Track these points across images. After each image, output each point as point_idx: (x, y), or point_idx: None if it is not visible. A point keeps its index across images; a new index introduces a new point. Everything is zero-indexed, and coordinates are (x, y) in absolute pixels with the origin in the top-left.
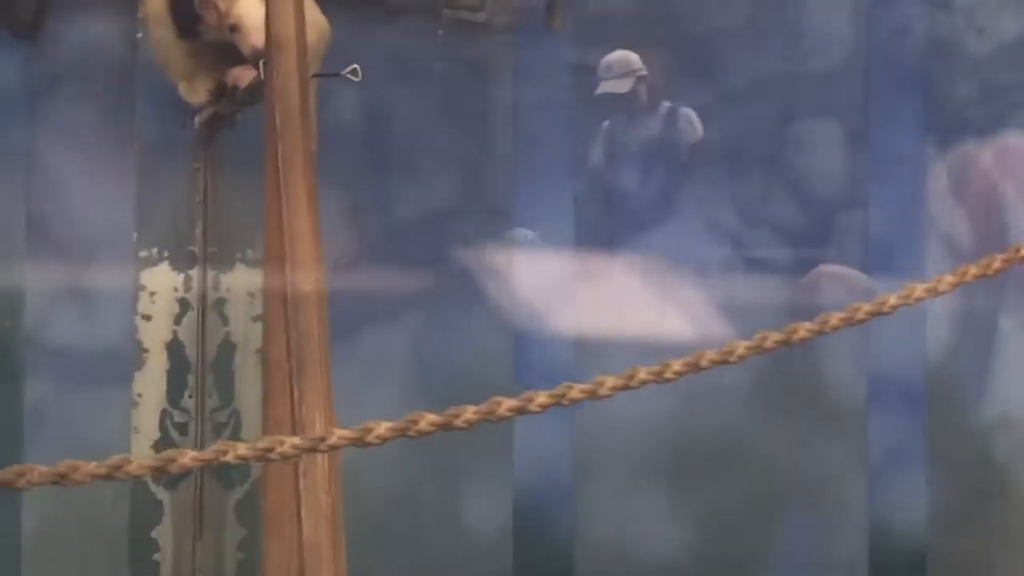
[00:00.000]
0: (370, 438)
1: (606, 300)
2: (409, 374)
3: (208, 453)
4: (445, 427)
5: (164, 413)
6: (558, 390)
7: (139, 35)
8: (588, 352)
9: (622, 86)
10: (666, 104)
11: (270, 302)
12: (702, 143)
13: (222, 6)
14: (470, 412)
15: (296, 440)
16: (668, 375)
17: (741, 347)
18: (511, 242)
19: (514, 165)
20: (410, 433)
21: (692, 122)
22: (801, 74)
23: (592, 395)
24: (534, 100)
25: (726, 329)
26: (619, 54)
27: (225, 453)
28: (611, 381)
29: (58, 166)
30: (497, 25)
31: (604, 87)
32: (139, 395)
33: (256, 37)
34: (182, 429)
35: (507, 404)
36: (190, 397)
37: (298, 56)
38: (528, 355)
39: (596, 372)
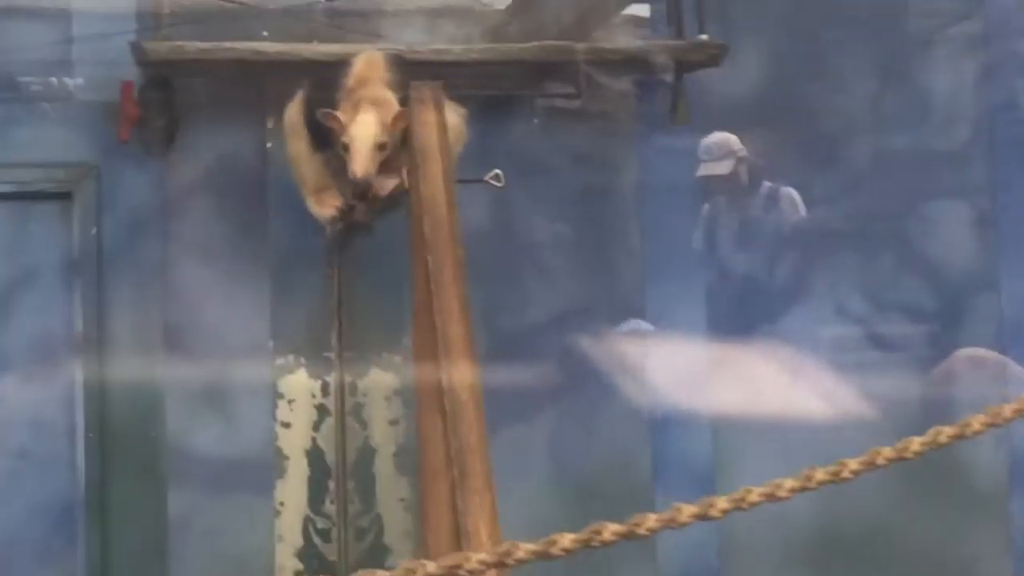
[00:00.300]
0: (555, 550)
1: (741, 386)
2: (546, 470)
3: (398, 572)
4: (627, 537)
5: (307, 520)
6: (735, 495)
7: (268, 145)
8: (725, 439)
9: (722, 168)
10: (767, 184)
11: (422, 410)
12: (829, 226)
13: (343, 118)
14: (652, 520)
15: (483, 555)
16: (844, 475)
17: (916, 443)
18: (630, 334)
19: (642, 257)
20: (593, 544)
21: (795, 202)
22: (927, 155)
23: (738, 505)
24: (659, 191)
25: (863, 412)
26: (719, 136)
27: (414, 572)
28: (756, 492)
29: (194, 278)
30: (591, 112)
31: (704, 169)
32: (281, 503)
33: (360, 166)
34: (325, 536)
35: (688, 510)
36: (331, 503)
37: (443, 164)
38: (665, 445)
39: (733, 458)
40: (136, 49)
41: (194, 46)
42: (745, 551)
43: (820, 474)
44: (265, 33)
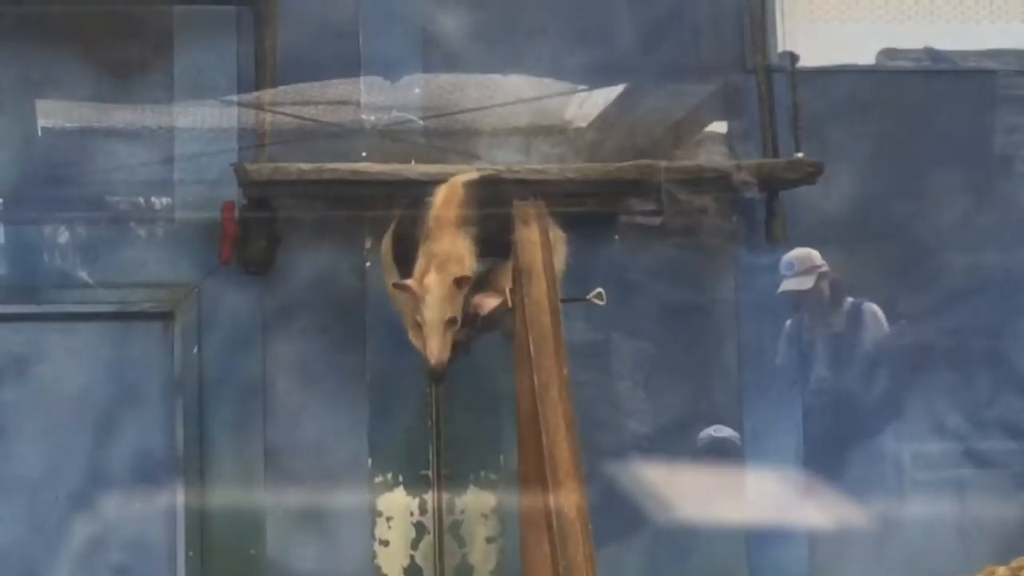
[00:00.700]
0: None
1: (836, 508)
2: None
3: None
4: None
5: None
6: None
7: (367, 264)
8: (822, 554)
9: (804, 283)
10: (850, 300)
11: (527, 529)
12: (923, 341)
13: (415, 288)
14: None
15: None
16: None
17: None
18: (711, 440)
19: (739, 374)
20: None
21: (878, 317)
22: (1020, 271)
23: None
24: (755, 308)
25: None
26: (800, 251)
27: None
28: None
29: (293, 397)
30: (686, 229)
31: (786, 285)
32: None
33: (434, 353)
34: None
35: None
36: None
37: (548, 282)
38: (762, 568)
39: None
40: (239, 171)
41: (295, 167)
42: None
43: None
44: (364, 153)
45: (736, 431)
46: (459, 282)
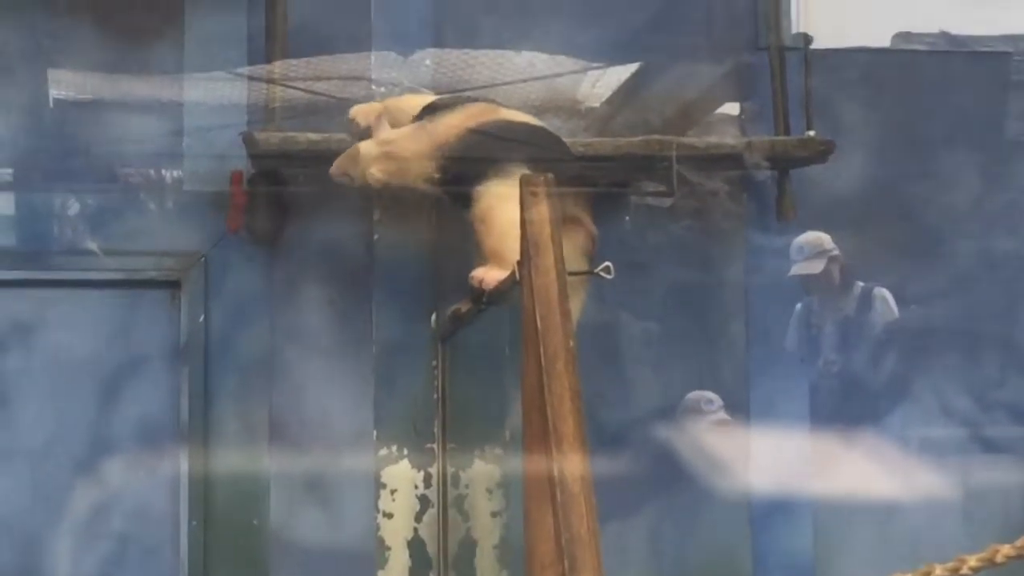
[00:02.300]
0: None
1: (843, 485)
2: (648, 563)
3: None
4: None
5: None
6: None
7: (375, 236)
8: (826, 538)
9: (814, 267)
10: (860, 284)
11: (531, 501)
12: (932, 325)
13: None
14: None
15: None
16: (964, 571)
17: None
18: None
19: (747, 353)
20: None
21: (888, 302)
22: None
23: None
24: (764, 288)
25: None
26: (810, 235)
27: None
28: None
29: (299, 368)
30: (695, 207)
31: (796, 269)
32: None
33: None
34: None
35: None
36: None
37: (555, 255)
38: (766, 544)
39: (833, 551)
40: (248, 140)
41: (304, 137)
42: None
43: (939, 571)
44: None
45: (745, 412)
46: None
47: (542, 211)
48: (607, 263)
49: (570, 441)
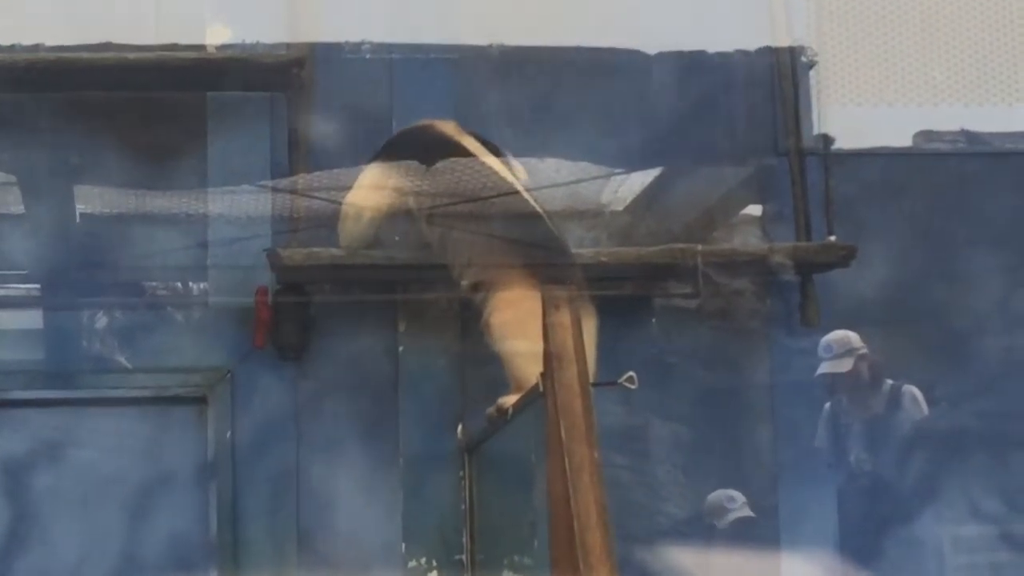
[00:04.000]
0: None
1: None
2: None
3: None
4: None
5: None
6: None
7: (400, 349)
8: None
9: (843, 366)
10: (889, 382)
11: None
12: (960, 427)
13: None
14: None
15: None
16: None
17: None
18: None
19: (775, 458)
20: None
21: (917, 400)
22: None
23: None
24: (790, 391)
25: None
26: (839, 333)
27: None
28: None
29: (327, 481)
30: (718, 312)
31: (825, 367)
32: None
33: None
34: None
35: None
36: None
37: (579, 367)
38: None
39: None
40: (272, 257)
41: (328, 252)
42: None
43: None
44: (397, 238)
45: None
46: None
47: (563, 323)
48: (630, 373)
49: (597, 555)
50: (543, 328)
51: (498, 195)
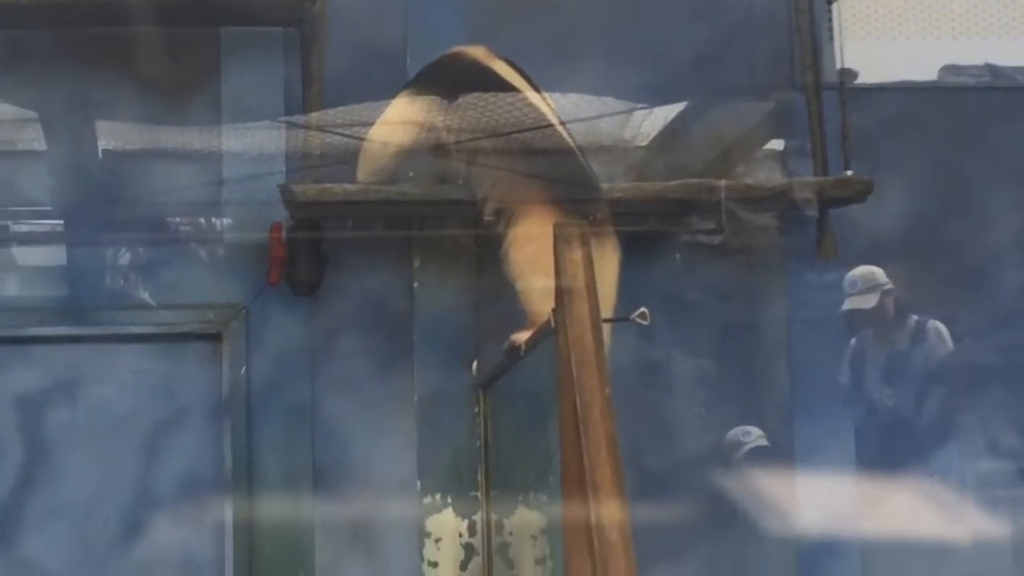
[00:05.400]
0: None
1: (890, 525)
2: None
3: None
4: None
5: None
6: None
7: (415, 284)
8: (874, 572)
9: (868, 301)
10: (914, 317)
11: (571, 551)
12: (979, 362)
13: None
14: None
15: None
16: None
17: None
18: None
19: (791, 392)
20: None
21: (942, 335)
22: None
23: None
24: (807, 326)
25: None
26: (864, 269)
27: None
28: None
29: (341, 417)
30: (735, 247)
31: (850, 303)
32: None
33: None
34: None
35: None
36: None
37: (590, 303)
38: None
39: None
40: (285, 192)
41: (342, 188)
42: None
43: None
44: (411, 174)
45: (790, 453)
46: None
47: (576, 259)
48: (643, 309)
49: (607, 489)
50: (555, 264)
51: (530, 128)
